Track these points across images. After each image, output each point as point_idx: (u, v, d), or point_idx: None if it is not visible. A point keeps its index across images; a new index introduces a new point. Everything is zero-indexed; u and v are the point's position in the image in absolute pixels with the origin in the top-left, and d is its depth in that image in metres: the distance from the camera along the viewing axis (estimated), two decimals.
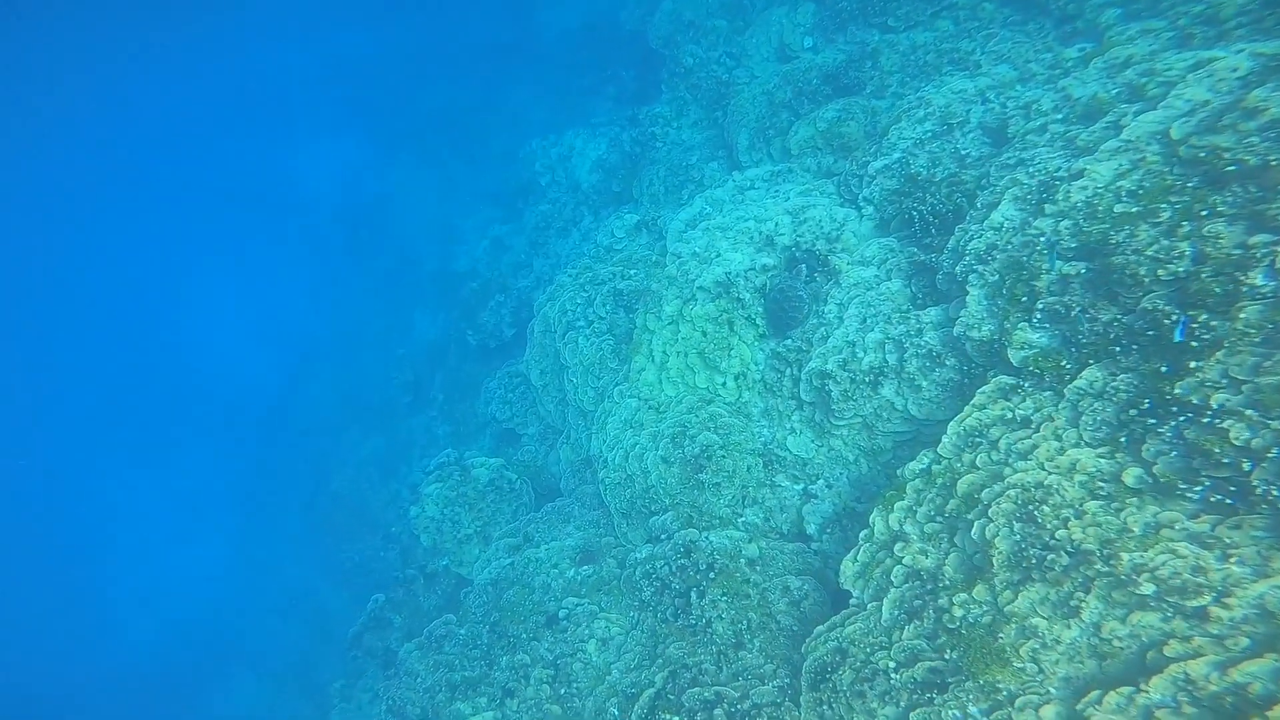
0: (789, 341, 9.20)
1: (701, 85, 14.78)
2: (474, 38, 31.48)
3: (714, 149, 13.56)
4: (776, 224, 10.13)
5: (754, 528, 8.67)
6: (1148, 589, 4.82)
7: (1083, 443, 5.44)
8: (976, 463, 5.90)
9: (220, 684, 21.95)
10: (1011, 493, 5.38)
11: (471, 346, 17.81)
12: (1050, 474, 5.51)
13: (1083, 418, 5.52)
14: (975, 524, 5.49)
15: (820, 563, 7.83)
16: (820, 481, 8.25)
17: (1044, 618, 5.33)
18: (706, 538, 8.79)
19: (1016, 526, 5.51)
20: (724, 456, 9.20)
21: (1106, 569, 5.02)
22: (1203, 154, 6.12)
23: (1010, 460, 5.71)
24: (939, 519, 5.95)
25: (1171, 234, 5.81)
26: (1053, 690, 5.14)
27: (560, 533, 11.63)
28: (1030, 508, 5.44)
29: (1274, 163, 5.54)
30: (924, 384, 7.42)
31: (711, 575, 8.20)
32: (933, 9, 11.91)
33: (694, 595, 8.18)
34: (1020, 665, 5.29)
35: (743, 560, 8.31)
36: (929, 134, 9.72)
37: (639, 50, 18.16)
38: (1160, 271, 5.55)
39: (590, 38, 22.48)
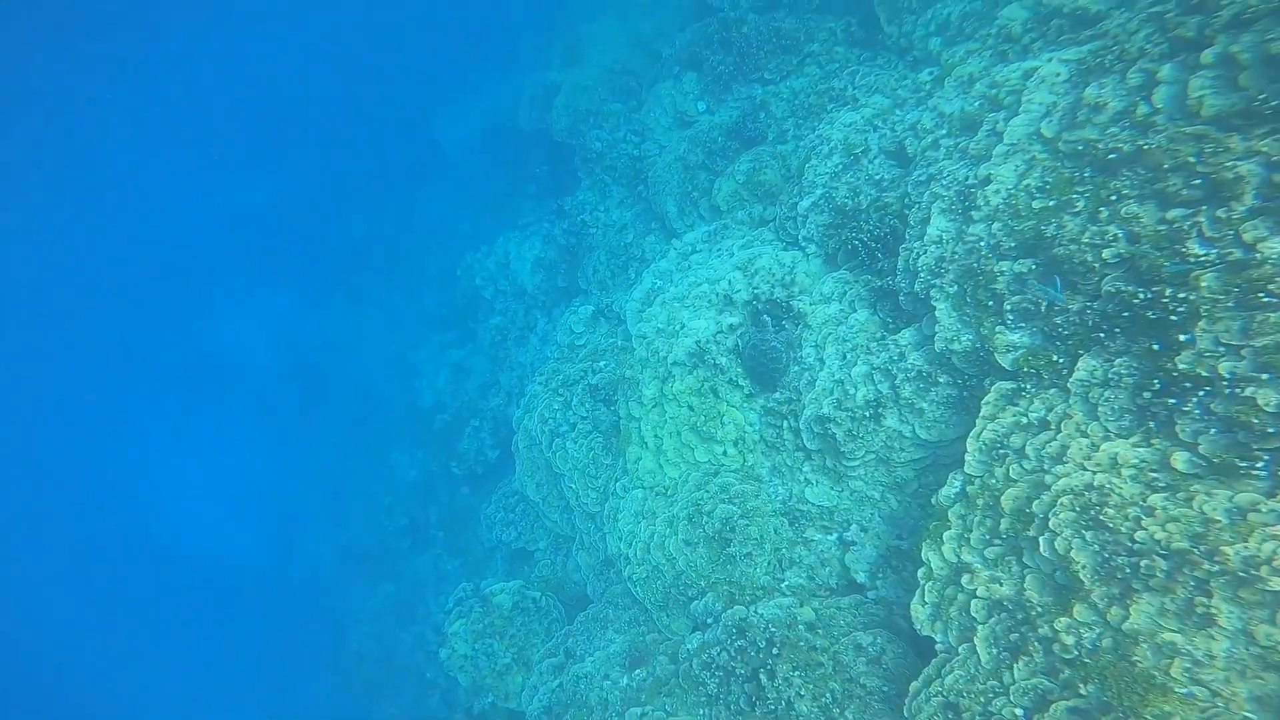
0: (777, 395, 9.26)
1: (616, 165, 15.26)
2: (375, 167, 32.17)
3: (646, 222, 13.90)
4: (730, 281, 10.32)
5: (801, 589, 8.49)
6: (1276, 583, 4.59)
7: (1111, 435, 5.48)
8: (1011, 474, 5.91)
9: None
10: (1065, 500, 5.31)
11: (458, 477, 17.47)
12: (1096, 473, 5.44)
13: (1099, 409, 5.60)
14: (1041, 540, 5.38)
15: (885, 611, 7.61)
16: (854, 527, 8.16)
17: (1175, 631, 4.92)
18: (756, 611, 8.56)
19: (1088, 535, 5.31)
20: (747, 524, 9.08)
21: (1216, 567, 4.80)
22: (1080, 147, 6.66)
23: (1046, 466, 5.72)
24: (998, 541, 5.84)
25: (1095, 219, 6.16)
26: (1250, 715, 4.63)
27: (602, 640, 11.21)
28: (1093, 512, 5.31)
29: (1145, 147, 5.96)
30: (924, 406, 7.51)
31: (775, 651, 7.95)
32: (796, 59, 12.88)
33: (763, 677, 7.90)
34: (1185, 690, 4.82)
35: (801, 627, 8.09)
36: (840, 166, 10.18)
37: (545, 146, 18.75)
38: (1105, 254, 5.80)
39: (494, 143, 23.15)
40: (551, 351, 14.19)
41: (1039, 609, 5.46)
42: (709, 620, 9.13)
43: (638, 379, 10.79)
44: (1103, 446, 5.39)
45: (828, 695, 7.46)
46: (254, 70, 41.48)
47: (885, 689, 7.13)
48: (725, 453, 9.67)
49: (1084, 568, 5.24)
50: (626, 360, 11.26)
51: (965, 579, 5.86)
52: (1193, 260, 5.24)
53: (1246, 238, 5.08)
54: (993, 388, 6.72)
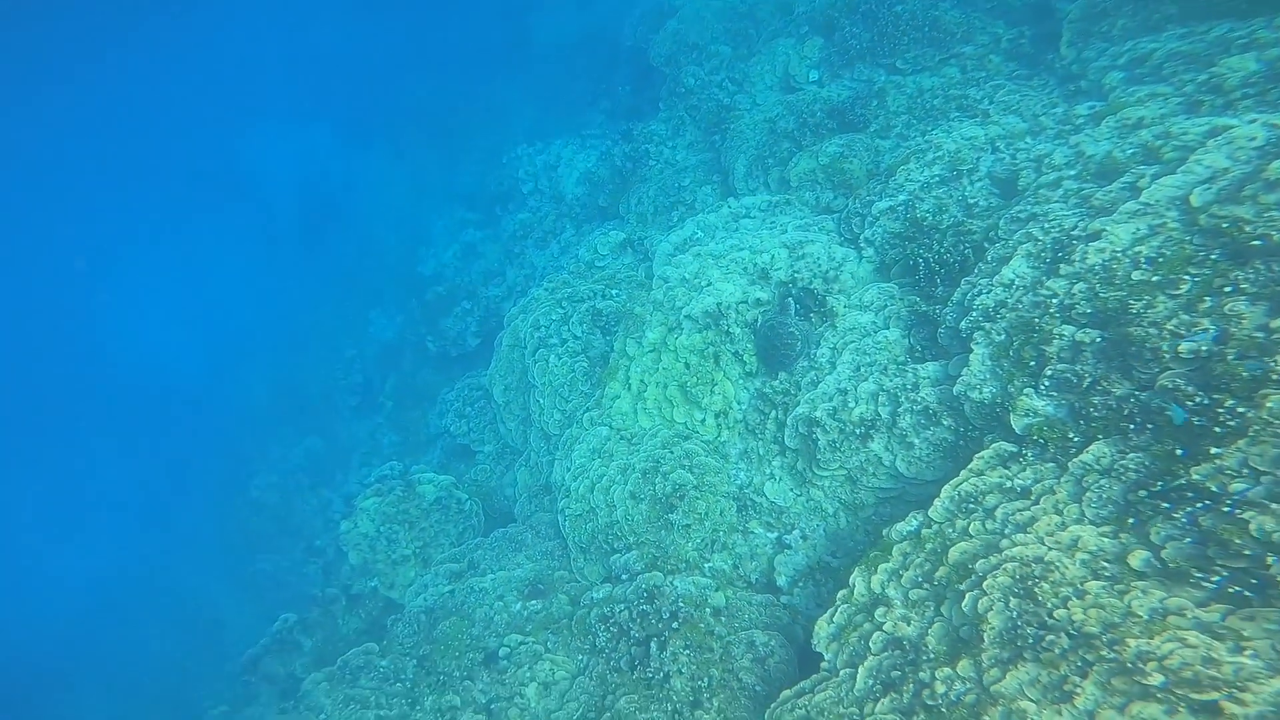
0: (777, 383, 9.02)
1: (701, 107, 14.77)
2: (463, 38, 31.29)
3: (709, 173, 13.50)
4: (773, 257, 10.01)
5: (721, 575, 8.37)
6: (1156, 679, 4.64)
7: (1085, 520, 5.30)
8: (970, 530, 5.72)
9: (60, 698, 19.82)
10: (1009, 566, 5.17)
11: (430, 353, 17.25)
12: (1050, 549, 5.33)
13: (1087, 494, 5.38)
14: (967, 595, 5.25)
15: (789, 618, 7.55)
16: (796, 532, 8.01)
17: (1033, 701, 5.08)
18: (672, 583, 8.45)
19: (1013, 602, 5.28)
20: (697, 497, 8.92)
21: (1110, 654, 4.83)
22: (1225, 224, 6.13)
23: (1007, 531, 5.53)
24: (926, 585, 5.71)
25: (1192, 308, 5.79)
26: None
27: (510, 562, 11.13)
28: (1029, 583, 5.24)
29: None
30: (916, 442, 7.28)
31: (675, 625, 7.84)
32: (940, 55, 12.11)
33: (654, 646, 7.80)
34: None
35: (708, 610, 7.98)
36: (937, 178, 9.73)
37: (638, 67, 18.15)
38: (1181, 349, 5.51)
39: (587, 49, 22.43)
40: (569, 263, 13.89)
41: (930, 655, 5.47)
42: (624, 576, 9.01)
43: (645, 319, 10.52)
44: (1070, 527, 5.21)
45: (705, 679, 7.40)
46: None
47: (759, 689, 7.14)
48: (704, 421, 9.46)
49: (991, 629, 5.26)
50: (640, 297, 10.98)
51: (880, 611, 5.76)
52: (1276, 377, 4.98)
53: None
54: (992, 445, 6.48)
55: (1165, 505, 5.15)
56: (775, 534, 8.24)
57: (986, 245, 7.99)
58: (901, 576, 5.91)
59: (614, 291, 11.98)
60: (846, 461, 7.75)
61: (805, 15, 14.04)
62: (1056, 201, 7.87)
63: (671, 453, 9.44)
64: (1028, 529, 5.46)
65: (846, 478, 7.83)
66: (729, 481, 8.92)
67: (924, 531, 6.15)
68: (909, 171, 9.84)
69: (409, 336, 18.81)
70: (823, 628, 6.33)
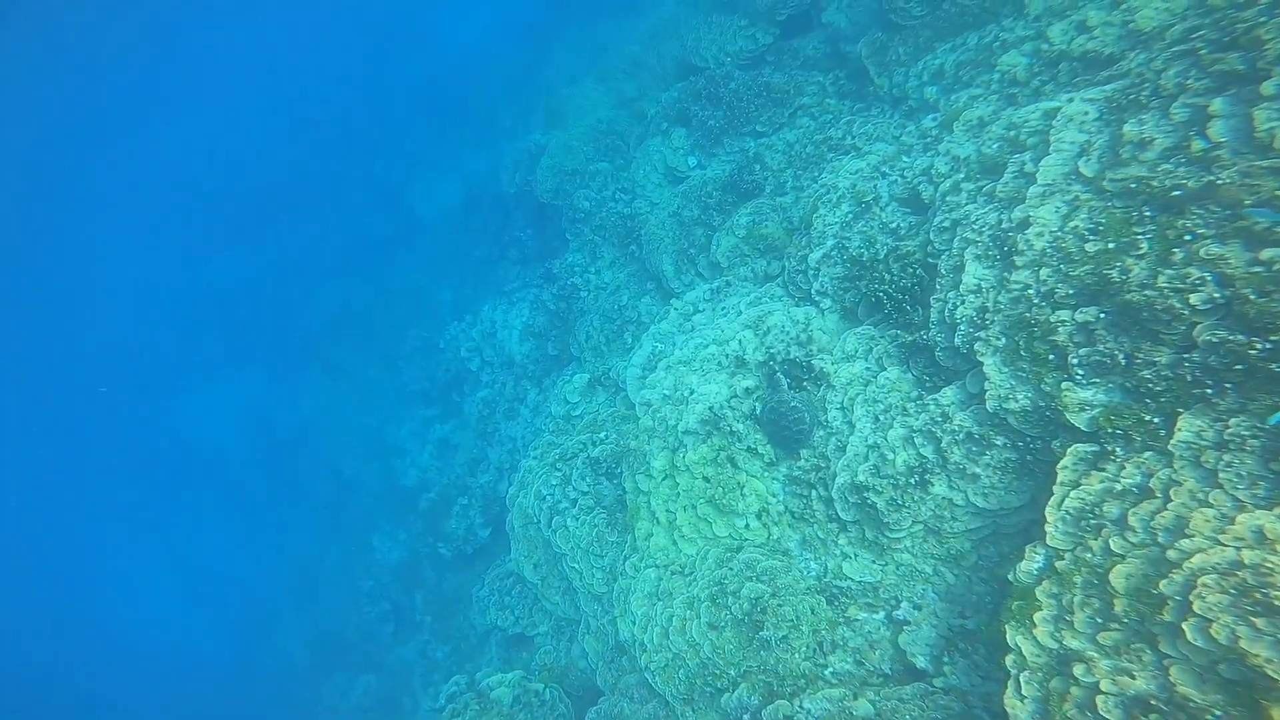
0: (802, 462, 8.43)
1: (606, 225, 14.72)
2: (351, 238, 31.39)
3: (641, 283, 13.28)
4: (740, 342, 9.62)
5: (850, 677, 7.47)
6: None
7: (1244, 505, 4.74)
8: (1113, 548, 5.09)
9: None
10: (1208, 580, 4.51)
11: (446, 558, 16.16)
12: (1239, 548, 4.55)
13: (1219, 475, 4.86)
14: (1186, 627, 4.56)
15: (960, 704, 6.55)
16: (904, 604, 7.23)
17: None
18: (802, 706, 7.47)
19: (1260, 622, 4.32)
20: (779, 604, 8.08)
21: None
22: (1132, 185, 6.14)
23: (1162, 540, 4.90)
24: (1114, 625, 4.93)
25: (1167, 262, 5.58)
26: None
27: None
28: (1258, 595, 4.35)
29: (1218, 183, 5.45)
30: (979, 471, 6.74)
31: None
32: (788, 111, 12.66)
33: None
34: None
35: None
36: (850, 215, 9.67)
37: (530, 209, 18.25)
38: (1193, 300, 5.19)
39: (475, 209, 22.71)
40: (546, 424, 13.27)
41: (1208, 707, 4.40)
42: (744, 717, 8.03)
43: (644, 450, 9.90)
44: (1238, 519, 4.61)
45: None
46: (224, 141, 41.02)
47: None
48: (748, 526, 8.75)
49: (1270, 662, 4.24)
50: (630, 431, 10.40)
51: (1079, 669, 4.89)
52: None
53: None
54: (1069, 450, 5.96)
55: None
56: (882, 613, 7.43)
57: (932, 260, 7.80)
58: (1072, 621, 5.16)
59: (601, 435, 11.36)
60: (917, 515, 7.13)
61: (660, 114, 14.36)
62: (967, 204, 7.86)
63: (731, 569, 8.66)
64: (1187, 532, 4.82)
65: (926, 531, 7.17)
66: (804, 577, 8.15)
67: (1058, 564, 5.44)
68: (823, 217, 9.77)
69: (420, 549, 17.68)
70: (1017, 707, 5.28)
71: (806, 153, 11.33)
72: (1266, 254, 4.99)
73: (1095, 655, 4.83)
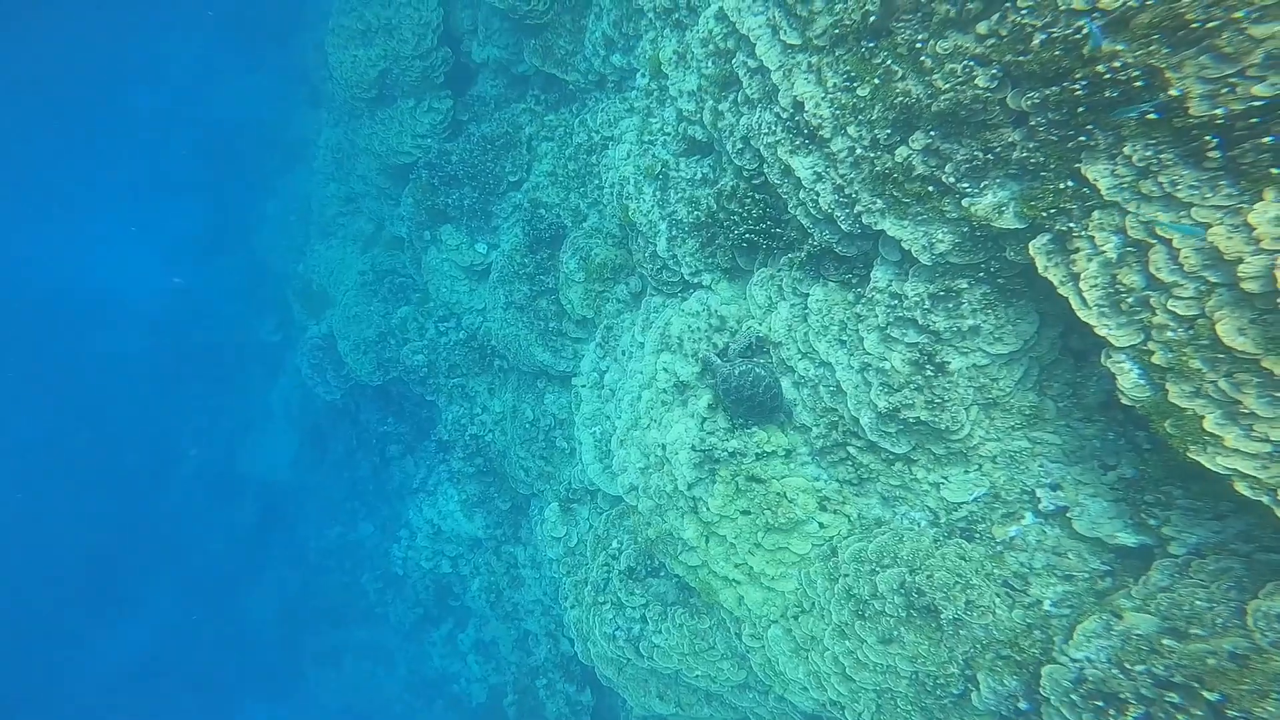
0: (816, 430, 7.62)
1: (455, 361, 13.37)
2: (229, 542, 27.33)
3: (532, 388, 12.02)
4: (666, 369, 8.68)
5: (1073, 596, 6.37)
6: None
7: (1235, 202, 4.29)
8: (1182, 314, 4.47)
9: None
10: None
11: None
12: None
13: (1178, 196, 4.36)
14: None
15: (1228, 559, 5.15)
16: (1041, 494, 6.14)
17: None
18: (1075, 659, 5.84)
19: None
20: (928, 576, 7.03)
21: None
22: (836, 31, 6.13)
23: (1215, 278, 4.30)
24: None
25: (922, 71, 5.41)
26: None
27: None
28: None
29: None
30: (972, 321, 6.08)
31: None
32: (524, 149, 11.93)
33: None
34: None
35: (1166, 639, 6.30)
36: (657, 192, 8.96)
37: (371, 398, 16.48)
38: (979, 82, 5.09)
39: (319, 437, 20.37)
40: (555, 571, 11.93)
41: None
42: (1023, 707, 6.41)
43: (667, 531, 8.86)
44: (1251, 218, 4.10)
45: None
46: None
47: None
48: (821, 525, 7.89)
49: None
50: (637, 524, 9.31)
51: None
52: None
53: None
54: (1031, 248, 5.41)
55: (1245, 147, 4.14)
56: (1029, 515, 6.44)
57: (757, 180, 7.46)
58: (1251, 410, 4.22)
59: (615, 545, 10.19)
60: (961, 400, 6.38)
61: (415, 228, 13.12)
62: (737, 119, 7.55)
63: (848, 575, 7.73)
64: (1226, 257, 4.43)
65: (982, 409, 6.44)
66: (920, 532, 7.26)
67: (1156, 360, 4.55)
68: (638, 210, 8.95)
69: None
70: None
71: (571, 170, 10.47)
72: (981, 28, 5.00)
73: None
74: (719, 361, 7.82)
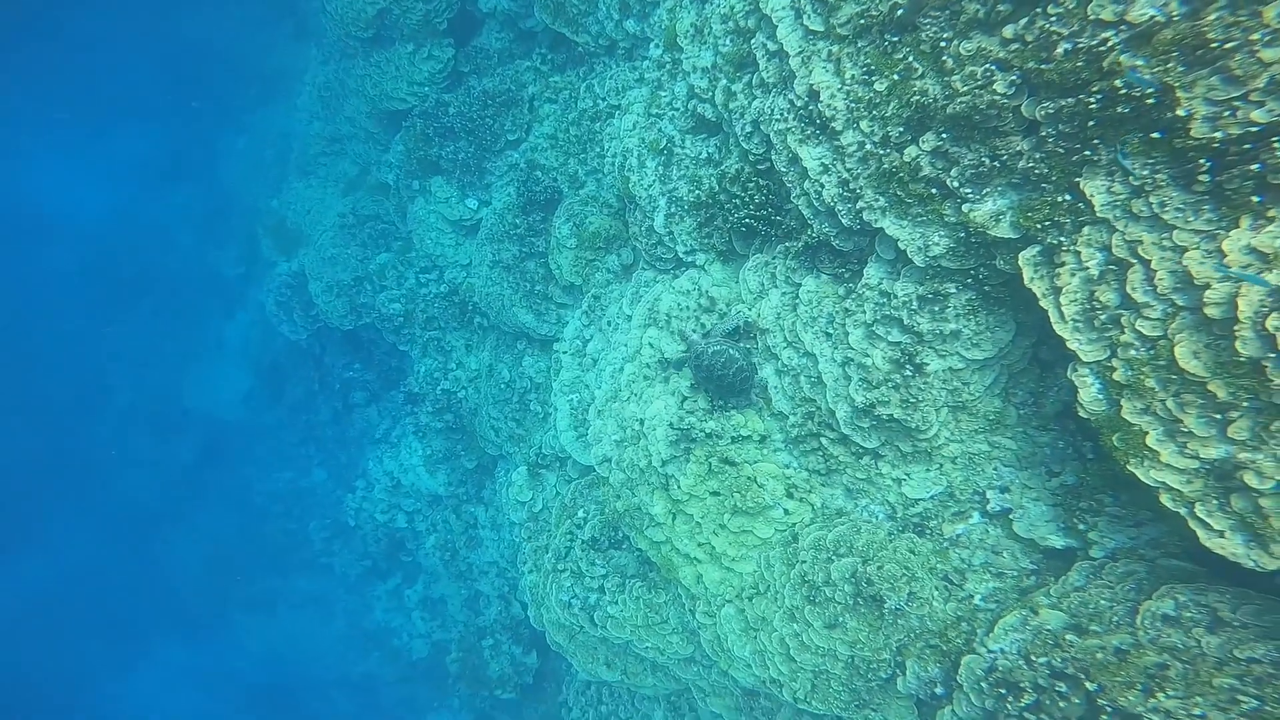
0: (791, 418, 7.82)
1: (434, 314, 13.25)
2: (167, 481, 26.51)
3: (511, 348, 11.97)
4: (651, 344, 8.76)
5: (1000, 594, 6.73)
6: None
7: (1215, 228, 4.56)
8: (1147, 332, 4.77)
9: None
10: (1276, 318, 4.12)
11: (513, 701, 14.67)
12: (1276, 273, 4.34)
13: (1163, 213, 4.58)
14: None
15: (1139, 562, 5.71)
16: (990, 494, 6.55)
17: None
18: (989, 649, 6.45)
19: None
20: (879, 567, 7.31)
21: None
22: (862, 22, 6.16)
23: (1179, 301, 4.64)
24: (1233, 413, 4.48)
25: (946, 71, 5.46)
26: None
27: None
28: None
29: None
30: (953, 325, 6.30)
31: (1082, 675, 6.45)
32: (525, 108, 11.69)
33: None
34: None
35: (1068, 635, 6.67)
36: (660, 167, 8.96)
37: (338, 342, 16.17)
38: (998, 89, 5.16)
39: (278, 376, 19.90)
40: (516, 535, 12.03)
41: None
42: (939, 692, 6.95)
43: (635, 505, 9.00)
44: (1224, 245, 4.35)
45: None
46: None
47: None
48: (786, 512, 8.13)
49: None
50: (604, 495, 9.40)
51: (1250, 478, 4.33)
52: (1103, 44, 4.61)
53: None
54: (1021, 259, 5.63)
55: (1232, 173, 4.35)
56: (976, 514, 6.84)
57: (763, 165, 7.47)
58: (1190, 430, 4.62)
59: (581, 515, 10.30)
60: (933, 401, 6.64)
61: (403, 176, 12.85)
62: (748, 102, 7.54)
63: (804, 561, 7.98)
64: (1195, 281, 4.66)
65: (951, 412, 6.71)
66: (877, 525, 7.56)
67: (1115, 378, 4.96)
68: (638, 183, 8.95)
69: (483, 708, 15.89)
70: (1224, 544, 4.57)
71: (574, 135, 10.33)
72: (1008, 31, 5.05)
73: (1247, 455, 4.35)
74: (696, 338, 7.96)
